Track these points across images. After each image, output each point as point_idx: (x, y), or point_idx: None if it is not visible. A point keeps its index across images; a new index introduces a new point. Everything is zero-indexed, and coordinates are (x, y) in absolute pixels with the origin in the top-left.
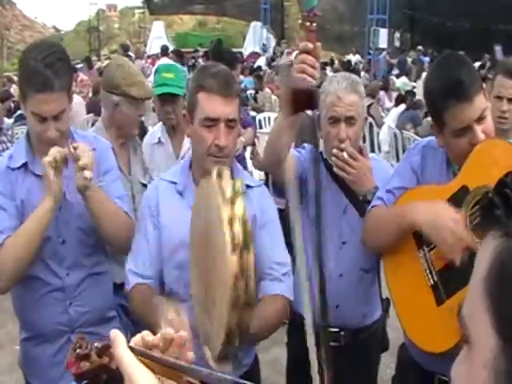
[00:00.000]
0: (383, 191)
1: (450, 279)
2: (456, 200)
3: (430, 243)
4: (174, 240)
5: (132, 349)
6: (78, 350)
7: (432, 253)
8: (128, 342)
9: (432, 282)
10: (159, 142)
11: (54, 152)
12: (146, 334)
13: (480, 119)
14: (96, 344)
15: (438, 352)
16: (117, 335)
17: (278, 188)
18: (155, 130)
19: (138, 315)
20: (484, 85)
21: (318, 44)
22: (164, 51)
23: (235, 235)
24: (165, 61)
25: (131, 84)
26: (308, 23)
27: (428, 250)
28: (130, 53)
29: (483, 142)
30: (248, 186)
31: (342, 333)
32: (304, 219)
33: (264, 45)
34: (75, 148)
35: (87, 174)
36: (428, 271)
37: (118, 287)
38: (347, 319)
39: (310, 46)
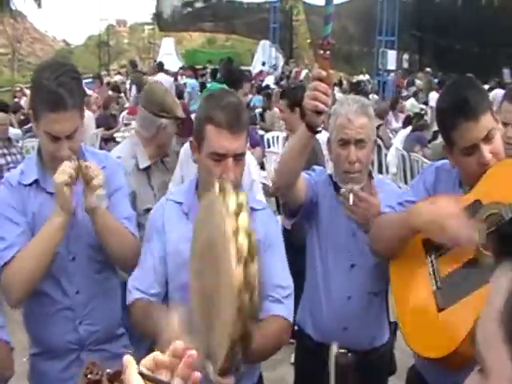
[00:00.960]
0: (394, 204)
1: (452, 287)
2: (468, 213)
3: (438, 249)
4: (178, 260)
5: (142, 375)
6: (89, 376)
7: (440, 259)
8: (139, 360)
9: (435, 287)
10: None
11: (67, 169)
12: (156, 354)
13: (488, 139)
14: (108, 370)
15: (431, 357)
16: (129, 361)
17: (289, 209)
18: None
19: (140, 329)
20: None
21: (331, 72)
22: (160, 67)
23: (240, 247)
24: (162, 77)
25: (179, 107)
26: (322, 51)
27: (435, 256)
28: (139, 69)
29: (501, 161)
30: (252, 209)
31: (350, 354)
32: (313, 243)
33: (274, 65)
34: (87, 167)
35: (100, 193)
36: (433, 276)
37: None
38: (355, 341)
39: (324, 73)
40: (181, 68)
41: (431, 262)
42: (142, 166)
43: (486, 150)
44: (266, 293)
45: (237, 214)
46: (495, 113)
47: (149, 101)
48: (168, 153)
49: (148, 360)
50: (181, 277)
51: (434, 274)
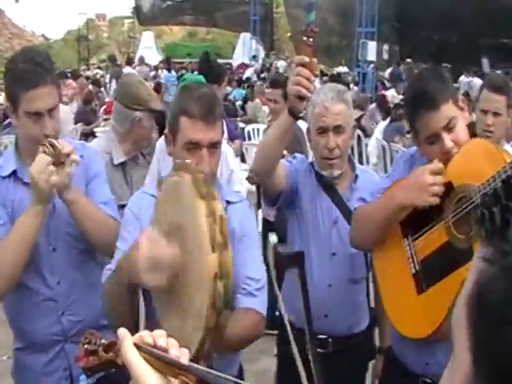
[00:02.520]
0: (371, 195)
1: (430, 269)
2: (441, 195)
3: (414, 232)
4: None
5: (138, 346)
6: (86, 346)
7: (416, 242)
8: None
9: (414, 270)
10: None
11: (42, 158)
12: (145, 336)
13: (448, 127)
14: (103, 341)
15: (415, 338)
16: (125, 334)
17: (269, 198)
18: None
19: (109, 307)
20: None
21: (314, 59)
22: (129, 61)
23: (214, 234)
24: (128, 70)
25: (154, 99)
26: (305, 38)
27: (412, 239)
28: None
29: (470, 141)
30: (228, 202)
31: (330, 340)
32: (294, 231)
33: (254, 56)
34: (52, 144)
35: (74, 157)
36: (411, 260)
37: None
38: (336, 328)
39: (307, 59)
40: (161, 62)
41: (409, 245)
42: (116, 162)
43: (447, 138)
44: (239, 284)
45: (208, 200)
46: (475, 101)
47: (122, 93)
48: (146, 147)
49: (136, 338)
50: None
51: (412, 257)
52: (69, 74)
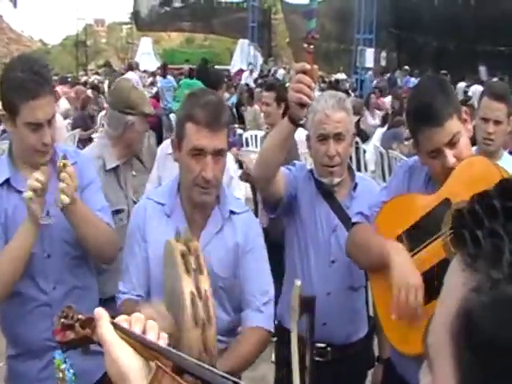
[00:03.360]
0: (369, 208)
1: (428, 286)
2: (438, 212)
3: (412, 248)
4: (159, 264)
5: (114, 325)
6: (63, 320)
7: (414, 258)
8: None
9: None
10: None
11: (34, 184)
12: (121, 320)
13: (452, 143)
14: (80, 316)
15: (411, 354)
16: (101, 313)
17: (268, 205)
18: (168, 143)
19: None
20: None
21: (315, 66)
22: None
23: (197, 309)
24: (131, 75)
25: (146, 103)
26: (306, 45)
27: (410, 255)
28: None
29: (469, 157)
30: (233, 213)
31: (329, 348)
32: (293, 239)
33: (250, 63)
34: (64, 165)
35: (63, 199)
36: None
37: (105, 302)
38: (334, 336)
39: (308, 66)
40: (159, 68)
41: None
42: (108, 167)
43: (449, 154)
44: (247, 297)
45: (195, 275)
46: (475, 109)
47: (114, 98)
48: (138, 151)
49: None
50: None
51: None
52: (69, 79)
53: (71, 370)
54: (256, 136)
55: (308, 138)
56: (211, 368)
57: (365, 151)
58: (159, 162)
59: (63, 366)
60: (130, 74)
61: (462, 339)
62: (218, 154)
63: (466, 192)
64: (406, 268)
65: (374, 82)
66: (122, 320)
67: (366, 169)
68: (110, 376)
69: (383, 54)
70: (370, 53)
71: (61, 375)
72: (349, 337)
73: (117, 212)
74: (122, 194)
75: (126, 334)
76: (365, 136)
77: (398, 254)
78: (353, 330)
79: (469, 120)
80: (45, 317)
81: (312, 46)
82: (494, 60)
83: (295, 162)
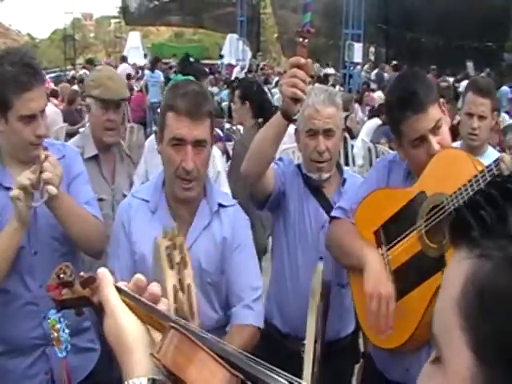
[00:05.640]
0: (349, 202)
1: (403, 279)
2: (414, 204)
3: (388, 242)
4: (142, 264)
5: (118, 289)
6: (62, 276)
7: (389, 252)
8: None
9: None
10: None
11: (24, 181)
12: (122, 285)
13: (435, 129)
14: (81, 274)
15: (388, 347)
16: (104, 274)
17: (257, 200)
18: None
19: None
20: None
21: (309, 60)
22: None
23: (181, 305)
24: (123, 67)
25: (97, 86)
26: (301, 39)
27: (386, 249)
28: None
29: (443, 150)
30: (221, 206)
31: (316, 345)
32: (280, 234)
33: (239, 59)
34: (46, 157)
35: (51, 189)
36: (385, 269)
37: None
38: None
39: (302, 60)
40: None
41: (382, 255)
42: (86, 156)
43: (433, 140)
44: (236, 293)
45: (179, 269)
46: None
47: (86, 85)
48: (104, 142)
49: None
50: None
51: (385, 267)
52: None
53: (66, 331)
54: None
55: (296, 131)
56: (213, 336)
57: (352, 146)
58: (146, 155)
59: (58, 326)
60: (121, 66)
61: (473, 309)
62: (199, 144)
63: (440, 184)
64: (379, 277)
65: (362, 74)
66: (123, 286)
67: (354, 163)
68: (109, 341)
69: (372, 49)
70: (358, 48)
71: (55, 335)
72: (337, 333)
73: (99, 200)
74: (104, 183)
75: (130, 299)
76: (351, 134)
77: (372, 261)
78: (341, 326)
79: (446, 111)
80: (32, 315)
81: (306, 40)
82: (481, 55)
83: (283, 156)
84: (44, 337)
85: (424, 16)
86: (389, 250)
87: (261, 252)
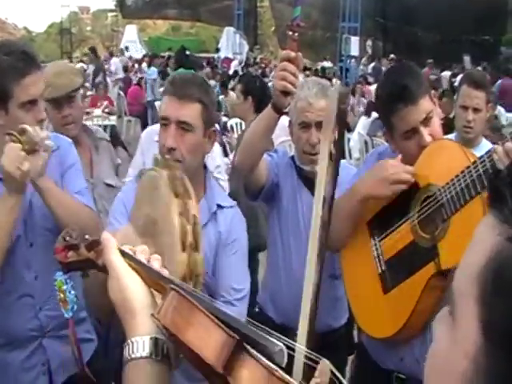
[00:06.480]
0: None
1: (396, 269)
2: (406, 196)
3: (381, 232)
4: None
5: (122, 252)
6: (68, 239)
7: (382, 242)
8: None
9: (380, 270)
10: None
11: (13, 150)
12: (127, 249)
13: (426, 121)
14: (86, 237)
15: (381, 337)
16: (110, 238)
17: (251, 192)
18: (154, 128)
19: (91, 300)
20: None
21: (299, 54)
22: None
23: (186, 234)
24: (114, 60)
25: (45, 87)
26: (291, 32)
27: (379, 239)
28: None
29: (435, 141)
30: (220, 207)
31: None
32: (274, 226)
33: (235, 52)
34: (23, 130)
35: (48, 143)
36: (377, 260)
37: None
38: (316, 324)
39: (292, 54)
40: (144, 56)
41: (375, 245)
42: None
43: (425, 132)
44: (220, 292)
45: (183, 199)
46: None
47: None
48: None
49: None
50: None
51: (378, 257)
52: None
53: (73, 292)
54: (241, 123)
55: (290, 124)
56: (215, 301)
57: (349, 139)
58: (143, 146)
59: (64, 287)
60: (113, 60)
61: (490, 285)
62: (184, 127)
63: (432, 175)
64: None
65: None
66: (126, 249)
67: (350, 156)
68: (113, 302)
69: (369, 43)
70: (355, 41)
71: (62, 296)
72: (330, 324)
73: None
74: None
75: (134, 262)
76: (347, 128)
77: (362, 179)
78: (334, 318)
79: (436, 103)
80: (27, 307)
81: (296, 34)
82: (478, 49)
83: (277, 148)
84: (40, 328)
85: (421, 10)
86: (382, 240)
87: (262, 246)
